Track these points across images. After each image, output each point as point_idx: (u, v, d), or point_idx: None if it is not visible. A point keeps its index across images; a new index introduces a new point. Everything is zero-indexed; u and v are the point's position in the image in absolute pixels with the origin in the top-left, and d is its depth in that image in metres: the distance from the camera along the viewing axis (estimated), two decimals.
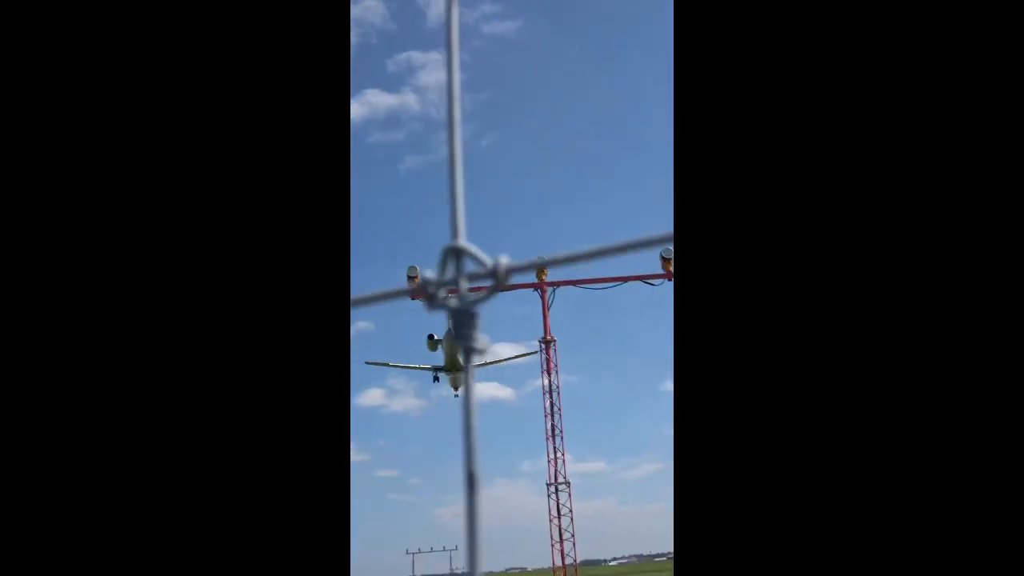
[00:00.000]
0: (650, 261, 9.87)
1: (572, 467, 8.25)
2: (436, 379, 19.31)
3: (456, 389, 18.72)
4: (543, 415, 8.90)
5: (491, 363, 20.48)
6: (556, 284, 9.90)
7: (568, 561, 8.51)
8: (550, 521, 8.56)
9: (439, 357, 17.93)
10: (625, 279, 10.02)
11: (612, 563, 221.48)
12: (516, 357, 20.56)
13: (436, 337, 17.65)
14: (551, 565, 8.54)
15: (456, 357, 17.50)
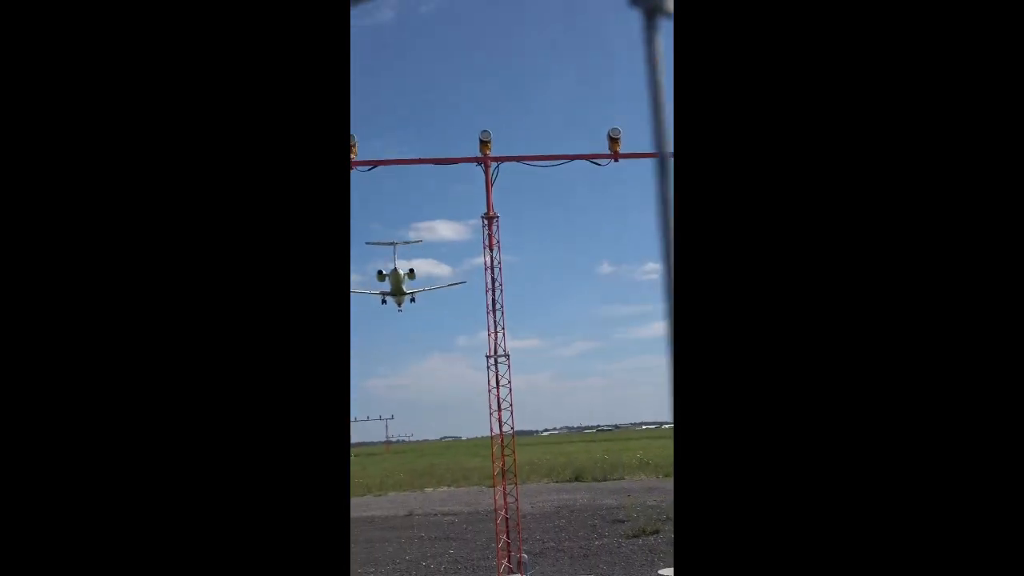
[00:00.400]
0: (597, 141, 9.74)
1: (508, 343, 8.57)
2: (384, 302, 26.95)
3: (400, 306, 26.21)
4: (483, 291, 8.99)
5: (426, 290, 29.50)
6: (500, 159, 9.69)
7: (506, 430, 8.89)
8: (488, 391, 8.84)
9: (386, 285, 25.00)
10: (571, 157, 9.87)
11: (544, 433, 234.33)
12: (449, 285, 28.61)
13: (384, 272, 24.78)
14: (488, 434, 8.89)
15: (400, 285, 25.33)
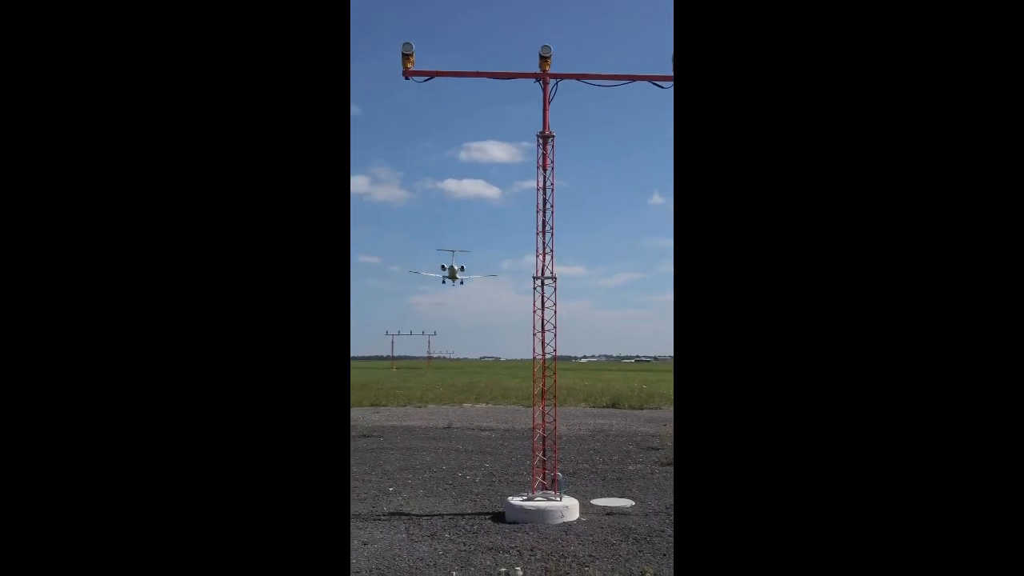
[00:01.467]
0: (662, 61, 9.36)
1: (554, 269, 8.52)
2: (444, 281, 66.61)
3: (454, 285, 67.17)
4: (534, 211, 8.93)
5: (469, 278, 70.89)
6: (559, 76, 9.41)
7: (548, 351, 8.96)
8: (534, 312, 8.90)
9: (446, 273, 64.79)
10: (633, 78, 9.52)
11: (582, 360, 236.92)
12: (486, 276, 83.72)
13: (444, 265, 64.92)
14: (528, 357, 8.99)
15: (455, 274, 65.16)
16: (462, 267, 66.43)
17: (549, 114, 9.19)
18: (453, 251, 66.07)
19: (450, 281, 65.84)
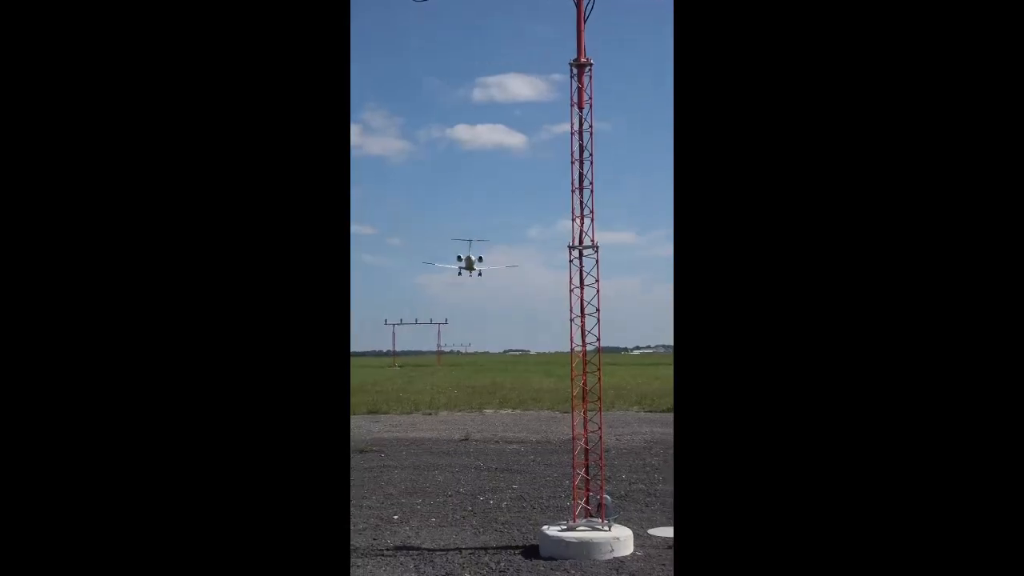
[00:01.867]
0: None
1: (597, 234, 8.31)
2: (460, 273, 78.34)
3: (471, 276, 79.14)
4: (568, 163, 8.72)
5: (484, 268, 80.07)
6: None
7: (590, 340, 8.81)
8: (571, 291, 8.75)
9: (463, 264, 75.70)
10: None
11: (635, 352, 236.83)
12: (507, 267, 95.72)
13: (460, 256, 75.76)
14: (566, 348, 8.85)
15: (471, 265, 77.12)
16: (479, 257, 76.51)
17: (585, 37, 8.96)
18: (470, 240, 76.20)
19: (467, 272, 76.19)
